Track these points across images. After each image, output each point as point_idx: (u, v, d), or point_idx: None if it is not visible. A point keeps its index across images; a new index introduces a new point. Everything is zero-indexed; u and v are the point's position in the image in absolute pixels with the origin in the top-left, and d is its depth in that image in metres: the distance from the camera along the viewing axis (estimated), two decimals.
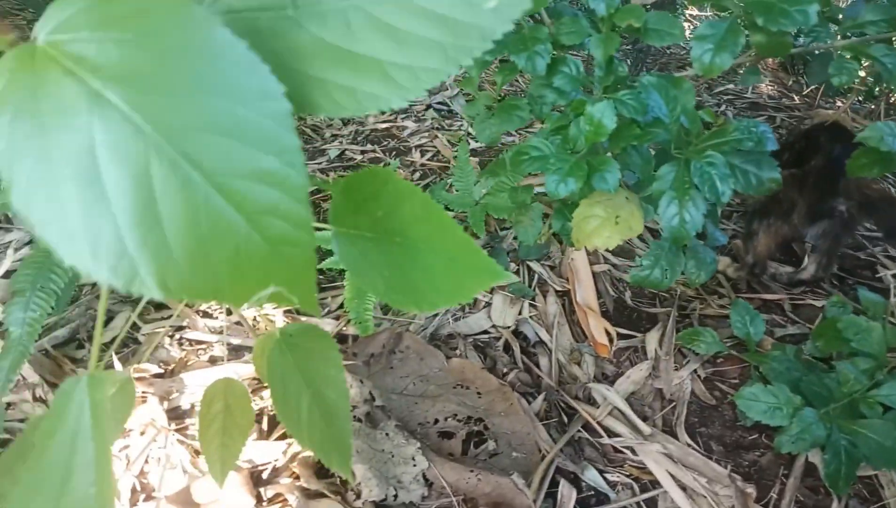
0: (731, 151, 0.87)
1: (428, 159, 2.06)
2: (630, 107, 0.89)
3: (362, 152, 2.16)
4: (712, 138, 0.88)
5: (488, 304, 1.38)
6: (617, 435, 1.12)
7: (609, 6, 0.87)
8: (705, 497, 1.03)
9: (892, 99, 3.16)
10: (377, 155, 2.11)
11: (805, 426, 0.95)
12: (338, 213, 0.54)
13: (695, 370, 1.27)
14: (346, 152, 2.18)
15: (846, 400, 0.99)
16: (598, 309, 1.38)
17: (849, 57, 0.93)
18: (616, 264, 1.53)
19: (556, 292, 1.43)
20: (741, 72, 1.10)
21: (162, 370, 1.08)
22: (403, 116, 2.41)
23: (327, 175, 1.98)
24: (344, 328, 1.24)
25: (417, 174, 1.98)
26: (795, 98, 2.78)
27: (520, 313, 1.37)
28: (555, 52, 0.93)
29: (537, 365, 1.25)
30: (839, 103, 2.92)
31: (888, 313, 1.13)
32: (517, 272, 1.46)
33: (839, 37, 0.96)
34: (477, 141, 2.07)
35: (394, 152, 2.13)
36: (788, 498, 1.03)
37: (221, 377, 0.73)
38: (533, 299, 1.40)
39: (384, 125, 2.36)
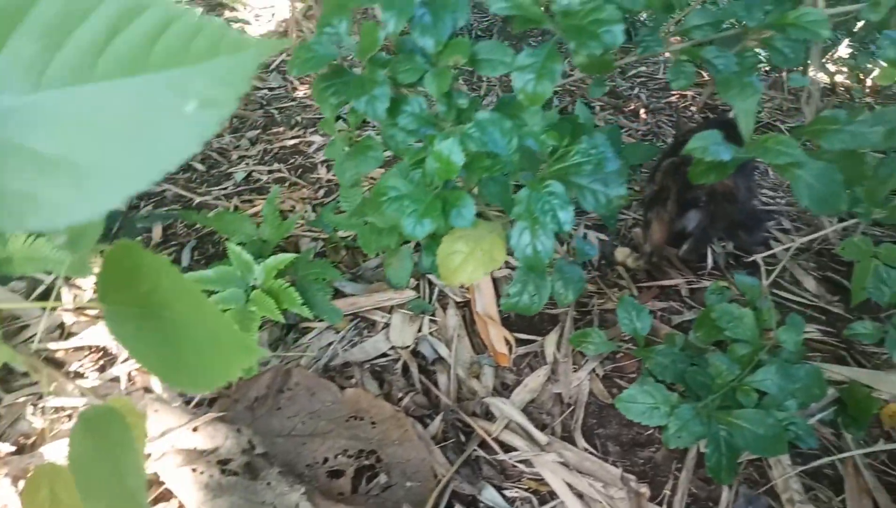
0: (577, 173, 0.85)
1: (333, 175, 2.00)
2: (476, 140, 0.86)
3: (269, 172, 2.08)
4: (554, 165, 0.85)
5: (387, 325, 1.34)
6: (514, 449, 1.10)
7: (438, 42, 0.83)
8: (601, 502, 1.02)
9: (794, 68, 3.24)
10: (283, 175, 2.04)
11: (683, 424, 0.94)
12: (106, 288, 0.49)
13: (593, 370, 1.26)
14: (254, 174, 2.10)
15: (722, 391, 0.99)
16: (498, 318, 1.35)
17: (685, 60, 0.92)
18: (515, 265, 1.51)
19: (457, 304, 1.39)
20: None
21: (19, 447, 1.00)
22: (312, 130, 2.34)
23: (230, 201, 1.89)
24: None
25: (322, 191, 1.92)
26: (705, 75, 2.81)
27: (419, 331, 1.33)
28: (400, 91, 0.90)
29: (436, 384, 1.21)
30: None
31: (764, 295, 1.13)
32: (417, 287, 1.42)
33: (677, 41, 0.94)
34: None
35: (300, 170, 2.06)
36: (681, 493, 1.03)
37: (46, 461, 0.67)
38: (433, 315, 1.36)
39: (292, 141, 2.28)
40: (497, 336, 1.31)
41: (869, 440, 1.14)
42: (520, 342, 1.32)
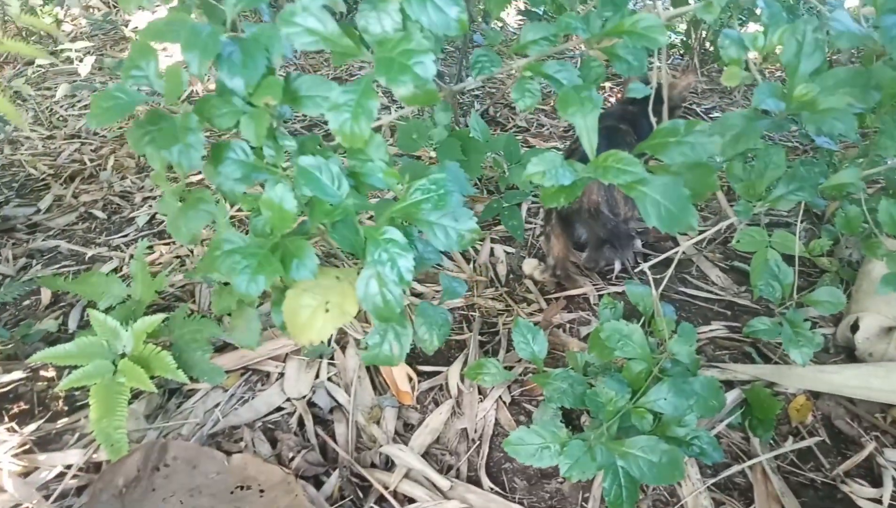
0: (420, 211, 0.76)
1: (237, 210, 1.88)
2: (311, 185, 0.76)
3: None
4: (398, 204, 0.76)
5: (282, 375, 1.23)
6: (414, 501, 1.01)
7: (248, 83, 0.73)
8: None
9: (708, 46, 3.24)
10: None
11: (575, 460, 0.87)
12: None
13: (499, 397, 1.18)
14: (158, 217, 1.96)
15: (615, 417, 0.92)
16: None
17: (529, 77, 0.84)
18: (423, 292, 1.42)
19: (357, 342, 1.30)
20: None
21: None
22: None
23: (124, 250, 1.75)
24: (94, 456, 1.06)
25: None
26: None
27: (317, 377, 1.23)
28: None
29: (333, 436, 1.12)
30: (656, 63, 2.96)
31: (656, 304, 1.07)
32: None
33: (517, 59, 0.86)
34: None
35: None
36: None
37: None
38: (332, 357, 1.26)
39: (198, 176, 2.15)
40: (400, 373, 1.22)
41: (779, 438, 1.10)
42: (424, 376, 1.24)
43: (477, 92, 2.92)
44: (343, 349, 1.28)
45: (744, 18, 2.57)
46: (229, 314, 1.13)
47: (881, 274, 1.04)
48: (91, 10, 3.64)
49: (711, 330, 1.27)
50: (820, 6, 0.93)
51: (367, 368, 1.25)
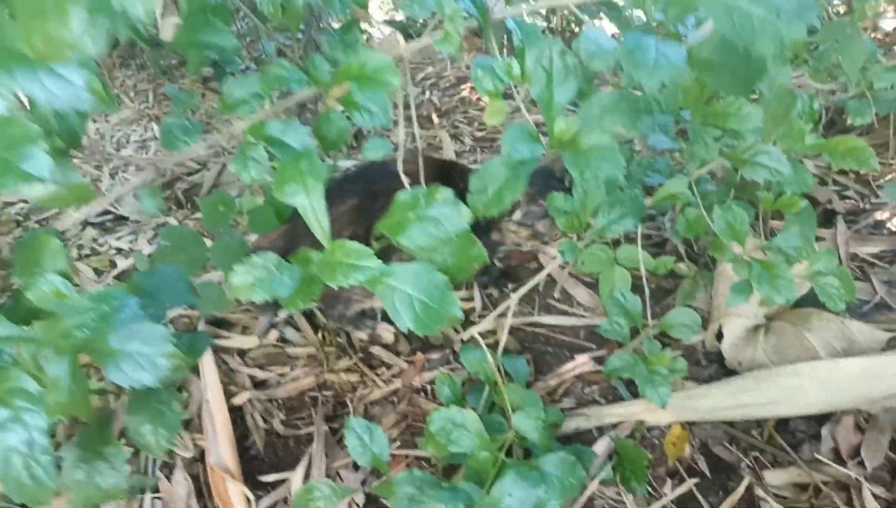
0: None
1: None
2: None
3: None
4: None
5: None
6: None
7: None
8: None
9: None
10: None
11: None
12: None
13: (352, 501, 0.98)
14: None
15: None
16: (236, 466, 1.04)
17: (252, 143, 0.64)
18: (263, 378, 1.20)
19: (189, 461, 1.06)
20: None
21: None
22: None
23: None
24: None
25: None
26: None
27: None
28: None
29: None
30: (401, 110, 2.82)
31: (498, 369, 0.90)
32: (136, 454, 1.08)
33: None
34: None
35: None
36: None
37: None
38: (156, 490, 1.03)
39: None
40: (235, 494, 1.00)
41: (658, 482, 0.96)
42: (266, 488, 1.02)
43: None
44: (170, 474, 1.05)
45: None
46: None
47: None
48: None
49: (576, 366, 1.12)
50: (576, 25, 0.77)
51: (203, 491, 1.03)
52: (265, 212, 1.14)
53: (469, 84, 2.81)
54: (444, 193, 0.58)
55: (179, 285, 0.76)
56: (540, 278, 1.09)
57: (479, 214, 0.65)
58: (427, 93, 2.76)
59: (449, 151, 2.10)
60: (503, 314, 1.07)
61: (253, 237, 1.59)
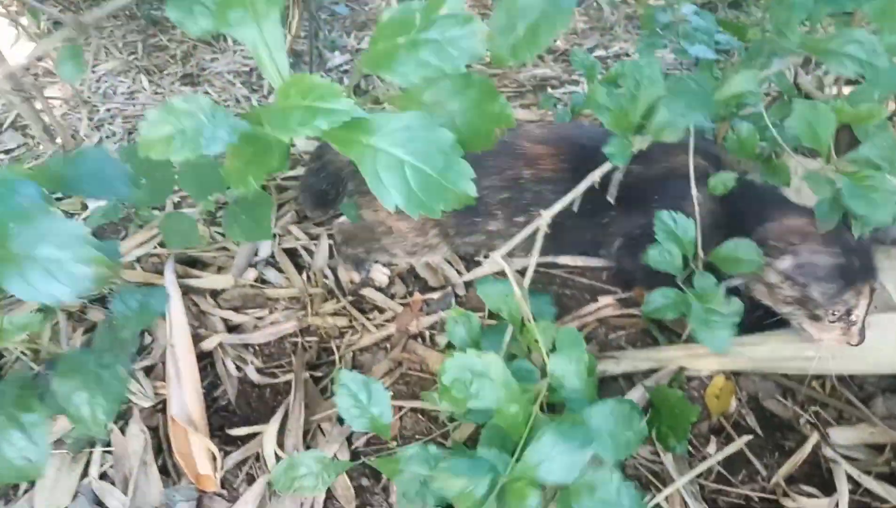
0: None
1: None
2: None
3: None
4: None
5: (33, 484, 0.83)
6: None
7: None
8: None
9: None
10: None
11: None
12: None
13: (335, 455, 0.82)
14: None
15: None
16: (201, 417, 0.88)
17: None
18: (238, 322, 1.03)
19: (147, 410, 0.90)
20: None
21: None
22: None
23: None
24: None
25: None
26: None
27: (85, 476, 0.84)
28: None
29: None
30: None
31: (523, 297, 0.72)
32: None
33: None
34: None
35: None
36: None
37: None
38: (108, 445, 0.87)
39: None
40: (200, 450, 0.84)
41: (700, 441, 0.79)
42: (236, 443, 0.86)
43: (345, 67, 2.51)
44: (125, 426, 0.89)
45: None
46: None
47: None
48: None
49: (599, 308, 0.95)
50: None
51: (161, 445, 0.87)
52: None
53: None
54: (450, 2, 0.40)
55: (111, 171, 0.59)
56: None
57: (505, 61, 0.47)
58: None
59: None
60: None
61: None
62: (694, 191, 0.77)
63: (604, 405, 0.64)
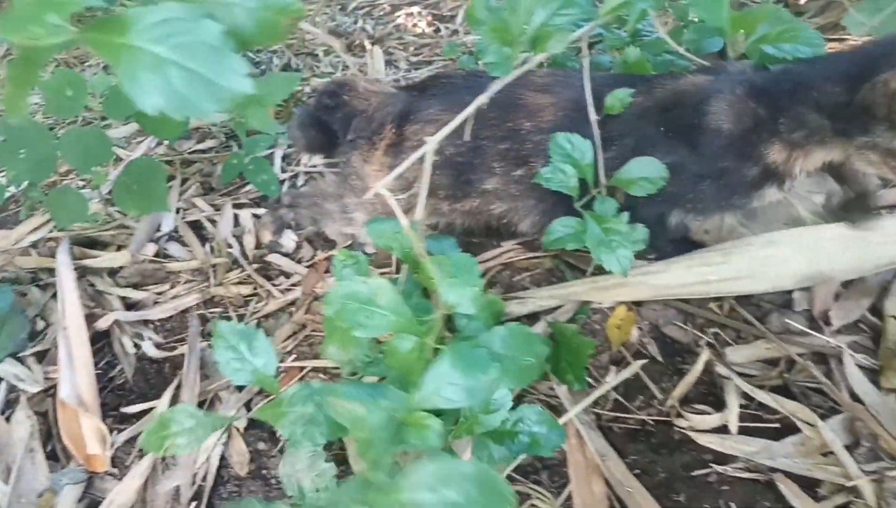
0: None
1: None
2: None
3: None
4: None
5: None
6: None
7: None
8: None
9: None
10: None
11: None
12: None
13: (229, 425, 0.78)
14: None
15: (372, 452, 0.53)
16: (93, 398, 0.83)
17: None
18: (137, 299, 0.97)
19: (38, 397, 0.85)
20: None
21: None
22: None
23: None
24: None
25: None
26: None
27: None
28: None
29: None
30: None
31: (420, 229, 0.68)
32: None
33: None
34: None
35: None
36: None
37: None
38: None
39: None
40: (90, 430, 0.79)
41: (599, 371, 0.77)
42: (130, 420, 0.82)
43: (274, 47, 2.41)
44: (11, 413, 0.83)
45: None
46: None
47: None
48: None
49: (504, 252, 0.92)
50: None
51: (50, 430, 0.82)
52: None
53: (404, 10, 2.55)
54: None
55: None
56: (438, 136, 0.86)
57: None
58: (359, 21, 2.50)
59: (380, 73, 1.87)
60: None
61: (115, 126, 1.31)
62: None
63: (502, 330, 0.61)
